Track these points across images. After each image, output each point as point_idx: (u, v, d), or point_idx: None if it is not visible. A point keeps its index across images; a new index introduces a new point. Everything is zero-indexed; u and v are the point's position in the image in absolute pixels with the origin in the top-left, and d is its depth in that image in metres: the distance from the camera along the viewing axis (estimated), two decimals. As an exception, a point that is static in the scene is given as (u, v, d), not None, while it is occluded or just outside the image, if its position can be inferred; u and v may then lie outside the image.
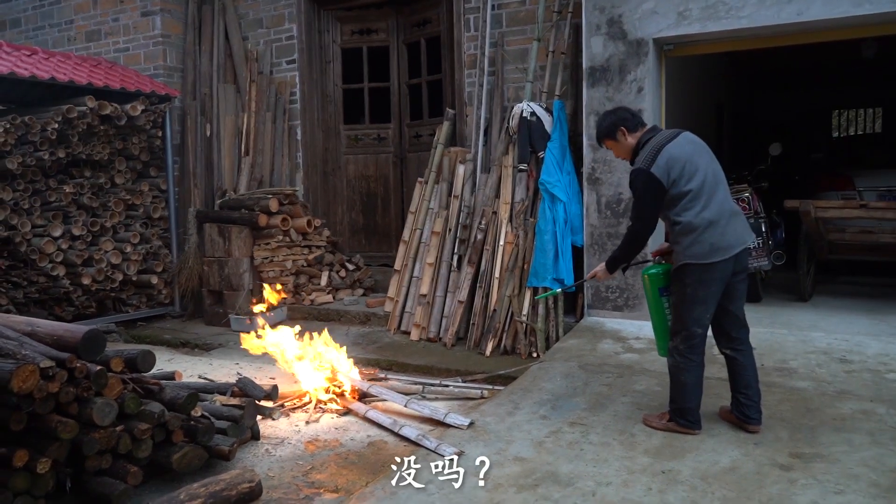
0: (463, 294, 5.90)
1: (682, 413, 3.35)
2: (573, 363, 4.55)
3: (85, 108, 6.43)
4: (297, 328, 4.89)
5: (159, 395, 3.46)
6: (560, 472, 3.03)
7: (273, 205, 7.01)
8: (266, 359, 5.74)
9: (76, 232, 6.53)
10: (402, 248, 6.58)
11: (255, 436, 3.90)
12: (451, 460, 3.19)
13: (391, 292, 6.56)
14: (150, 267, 7.25)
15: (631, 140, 3.38)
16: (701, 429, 3.36)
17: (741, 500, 2.73)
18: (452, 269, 6.14)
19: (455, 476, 3.03)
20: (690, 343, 3.29)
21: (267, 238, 7.07)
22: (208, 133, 7.84)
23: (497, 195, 6.05)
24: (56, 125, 6.24)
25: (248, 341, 4.79)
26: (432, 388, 4.59)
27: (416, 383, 4.69)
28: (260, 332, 4.81)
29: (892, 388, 3.91)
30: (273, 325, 4.90)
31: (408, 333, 6.21)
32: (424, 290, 6.17)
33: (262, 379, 4.97)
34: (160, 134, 7.32)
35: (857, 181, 6.99)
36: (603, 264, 3.62)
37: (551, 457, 3.19)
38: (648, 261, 3.72)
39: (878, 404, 3.66)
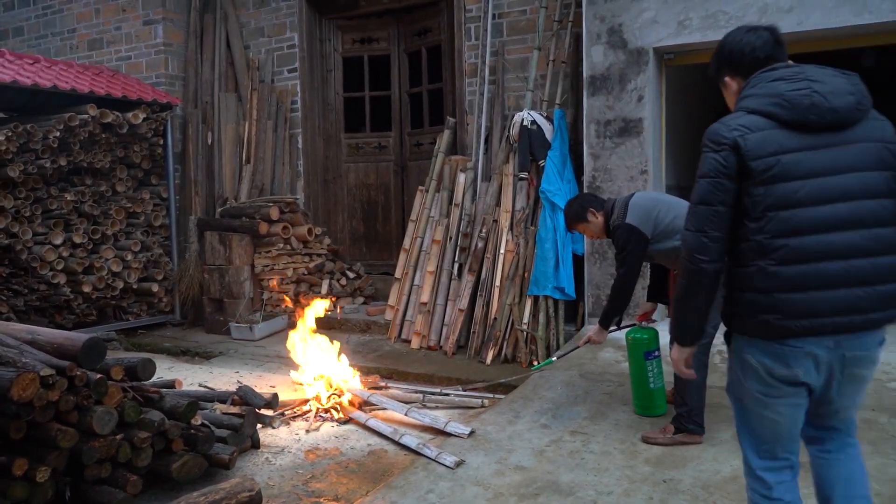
0: (463, 302, 5.90)
1: (690, 415, 3.36)
2: (574, 372, 4.54)
3: (86, 116, 6.44)
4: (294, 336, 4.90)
5: (159, 403, 3.46)
6: (561, 481, 3.02)
7: (274, 213, 7.02)
8: (266, 367, 5.75)
9: (77, 240, 6.54)
10: (402, 257, 6.58)
11: (255, 444, 3.90)
12: (452, 469, 3.19)
13: (391, 300, 6.56)
14: (150, 275, 7.25)
15: (601, 218, 3.59)
16: (704, 434, 3.36)
17: (743, 509, 2.72)
18: (453, 277, 6.13)
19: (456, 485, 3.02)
20: (703, 342, 3.38)
21: (268, 246, 7.07)
22: (209, 141, 7.85)
23: (497, 203, 6.05)
24: (58, 133, 6.26)
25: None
26: (433, 396, 4.58)
27: (416, 392, 4.69)
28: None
29: (894, 398, 3.90)
30: (272, 334, 4.91)
31: (408, 342, 6.20)
32: (425, 298, 6.17)
33: (263, 387, 4.97)
34: (161, 142, 7.33)
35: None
36: (596, 325, 3.76)
37: (552, 466, 3.18)
38: (633, 324, 3.79)
39: (879, 413, 3.65)
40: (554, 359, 4.17)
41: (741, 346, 1.93)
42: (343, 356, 4.84)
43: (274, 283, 6.98)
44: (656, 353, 3.72)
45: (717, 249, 1.87)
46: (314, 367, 4.72)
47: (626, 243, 3.46)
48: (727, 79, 2.04)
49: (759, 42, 1.99)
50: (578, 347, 4.05)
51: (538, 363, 4.39)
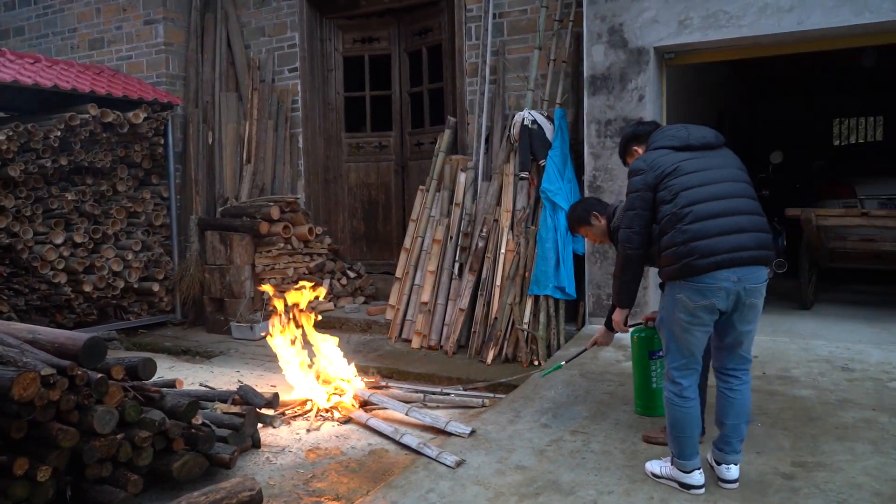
0: (464, 302, 5.90)
1: None
2: (574, 371, 4.54)
3: (87, 115, 6.45)
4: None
5: (160, 403, 3.46)
6: (561, 480, 3.02)
7: (274, 212, 7.02)
8: (267, 366, 5.75)
9: (78, 239, 6.54)
10: (403, 256, 6.58)
11: (256, 444, 3.90)
12: (453, 469, 3.19)
13: (392, 300, 6.56)
14: (151, 274, 7.26)
15: (603, 222, 3.57)
16: (705, 434, 3.35)
17: (743, 509, 2.72)
18: (453, 276, 6.13)
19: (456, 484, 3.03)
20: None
21: (268, 246, 7.07)
22: (210, 141, 7.86)
23: (498, 203, 6.05)
24: (58, 133, 6.26)
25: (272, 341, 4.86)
26: (433, 396, 4.58)
27: (417, 391, 4.69)
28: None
29: (895, 397, 3.90)
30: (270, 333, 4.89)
31: (409, 341, 6.20)
32: (425, 297, 6.17)
33: (263, 387, 4.98)
34: (162, 142, 7.33)
35: (859, 189, 6.99)
36: (602, 327, 3.74)
37: (553, 465, 3.18)
38: (639, 323, 3.78)
39: (880, 413, 3.65)
40: (563, 364, 4.12)
41: (673, 288, 2.79)
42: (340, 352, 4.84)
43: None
44: (660, 353, 3.72)
45: (639, 241, 2.91)
46: (315, 366, 4.72)
47: None
48: (634, 148, 3.27)
49: (647, 127, 3.26)
50: (586, 350, 4.03)
51: (546, 369, 4.35)
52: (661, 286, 2.91)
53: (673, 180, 2.78)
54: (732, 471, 2.85)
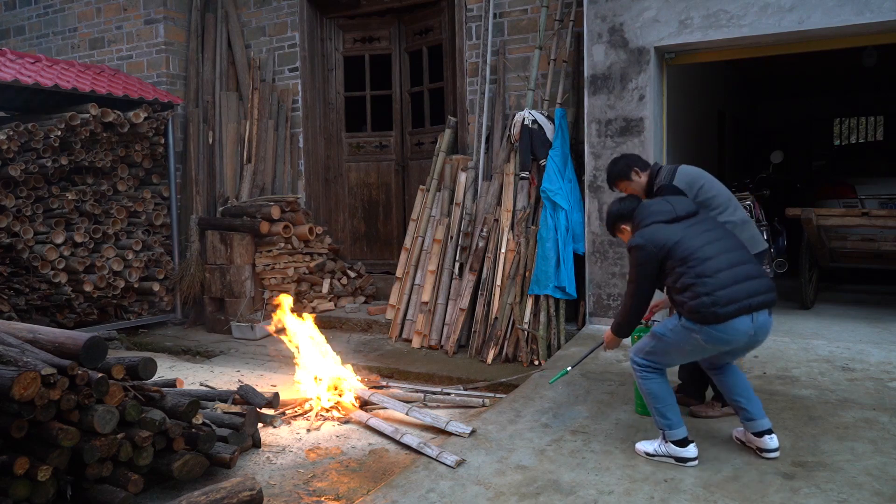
0: (464, 302, 5.90)
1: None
2: (575, 371, 4.52)
3: (88, 115, 6.45)
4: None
5: (160, 402, 3.46)
6: (562, 480, 3.02)
7: (275, 212, 7.02)
8: (267, 366, 5.76)
9: (78, 239, 6.54)
10: (403, 256, 6.59)
11: (257, 443, 3.90)
12: (453, 468, 3.19)
13: (393, 300, 6.56)
14: (151, 274, 7.26)
15: (644, 179, 3.65)
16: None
17: (744, 509, 2.72)
18: (454, 276, 6.14)
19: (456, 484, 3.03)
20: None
21: (269, 245, 7.07)
22: (211, 140, 7.86)
23: (499, 203, 6.05)
24: (59, 132, 6.26)
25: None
26: (434, 396, 4.58)
27: (417, 391, 4.69)
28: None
29: (894, 397, 3.90)
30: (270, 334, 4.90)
31: (409, 341, 6.21)
32: (426, 297, 6.17)
33: (264, 386, 4.98)
34: (163, 141, 7.33)
35: (859, 189, 6.99)
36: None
37: (553, 465, 3.18)
38: (640, 324, 3.75)
39: (880, 413, 3.65)
40: (569, 369, 4.05)
41: (690, 326, 3.00)
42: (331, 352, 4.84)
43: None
44: None
45: (645, 304, 3.22)
46: (314, 366, 4.72)
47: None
48: (622, 226, 3.39)
49: (630, 204, 3.38)
50: (592, 352, 3.92)
51: (552, 377, 4.30)
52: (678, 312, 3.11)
53: (680, 248, 3.03)
54: (775, 439, 3.12)
